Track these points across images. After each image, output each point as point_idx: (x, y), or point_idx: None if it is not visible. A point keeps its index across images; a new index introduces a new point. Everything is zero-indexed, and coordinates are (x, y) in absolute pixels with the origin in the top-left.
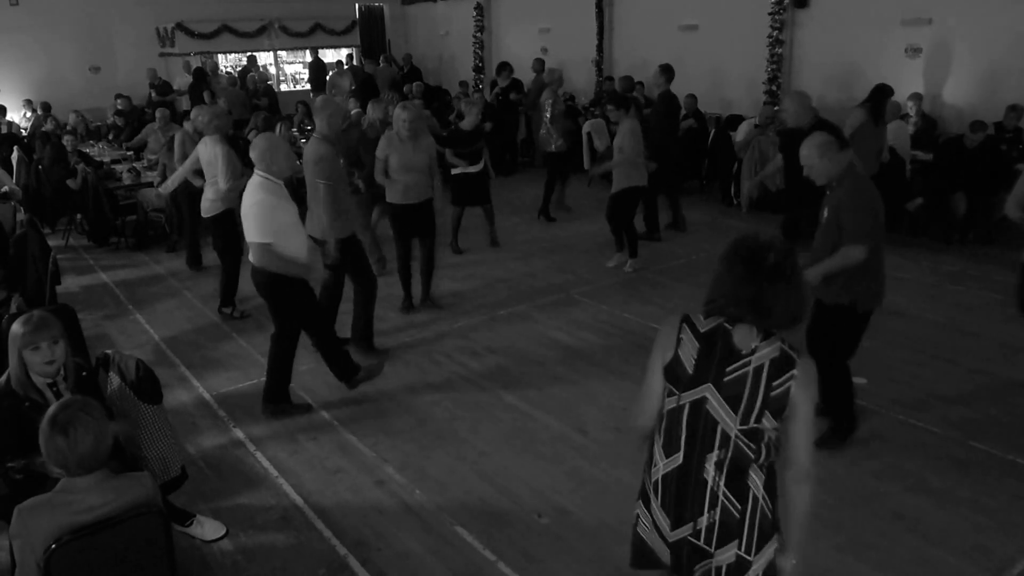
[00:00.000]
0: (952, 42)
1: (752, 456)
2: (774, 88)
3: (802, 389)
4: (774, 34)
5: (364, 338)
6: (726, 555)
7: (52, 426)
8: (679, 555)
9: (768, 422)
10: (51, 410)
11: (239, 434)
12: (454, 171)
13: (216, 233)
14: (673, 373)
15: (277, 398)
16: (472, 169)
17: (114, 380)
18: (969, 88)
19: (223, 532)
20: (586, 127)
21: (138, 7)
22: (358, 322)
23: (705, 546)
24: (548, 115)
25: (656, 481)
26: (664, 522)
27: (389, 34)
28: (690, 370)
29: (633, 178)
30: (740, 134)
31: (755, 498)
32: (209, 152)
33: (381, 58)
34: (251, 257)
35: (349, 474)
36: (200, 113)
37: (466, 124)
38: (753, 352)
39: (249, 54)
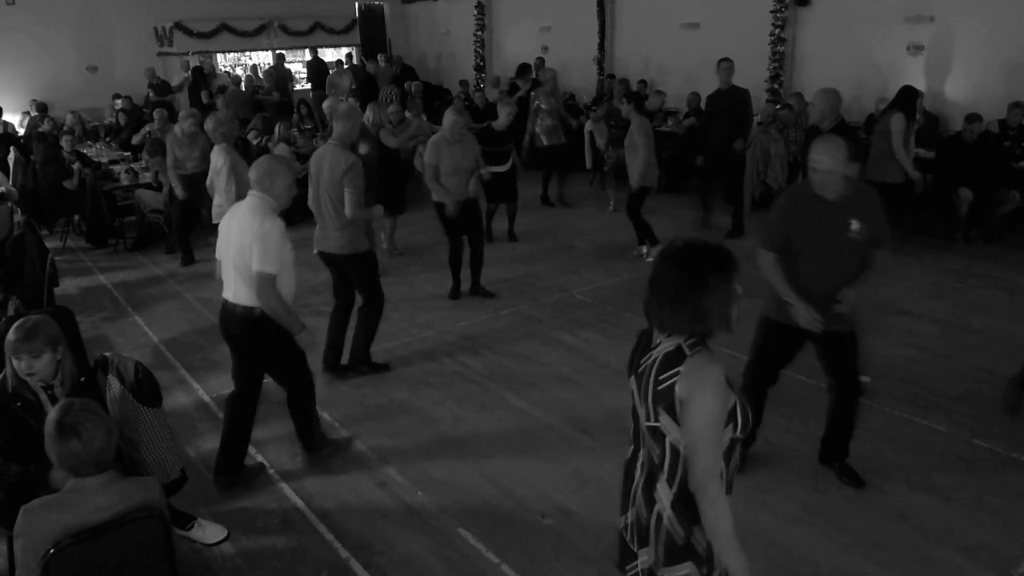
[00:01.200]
0: (954, 39)
1: (656, 461)
2: (776, 86)
3: (686, 388)
4: (776, 32)
5: (364, 358)
6: (644, 558)
7: (60, 430)
8: (621, 545)
9: (666, 422)
10: (54, 415)
11: None
12: (485, 169)
13: None
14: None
15: (234, 467)
16: (501, 169)
17: (113, 383)
18: (971, 85)
19: (224, 535)
20: (588, 126)
21: (136, 6)
22: (360, 341)
23: (629, 543)
24: (543, 111)
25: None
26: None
27: (389, 33)
28: (628, 363)
29: (646, 178)
30: None
31: (659, 513)
32: (216, 160)
33: (380, 57)
34: (238, 294)
35: (351, 476)
36: (208, 120)
37: (499, 124)
38: (657, 345)
39: (278, 52)
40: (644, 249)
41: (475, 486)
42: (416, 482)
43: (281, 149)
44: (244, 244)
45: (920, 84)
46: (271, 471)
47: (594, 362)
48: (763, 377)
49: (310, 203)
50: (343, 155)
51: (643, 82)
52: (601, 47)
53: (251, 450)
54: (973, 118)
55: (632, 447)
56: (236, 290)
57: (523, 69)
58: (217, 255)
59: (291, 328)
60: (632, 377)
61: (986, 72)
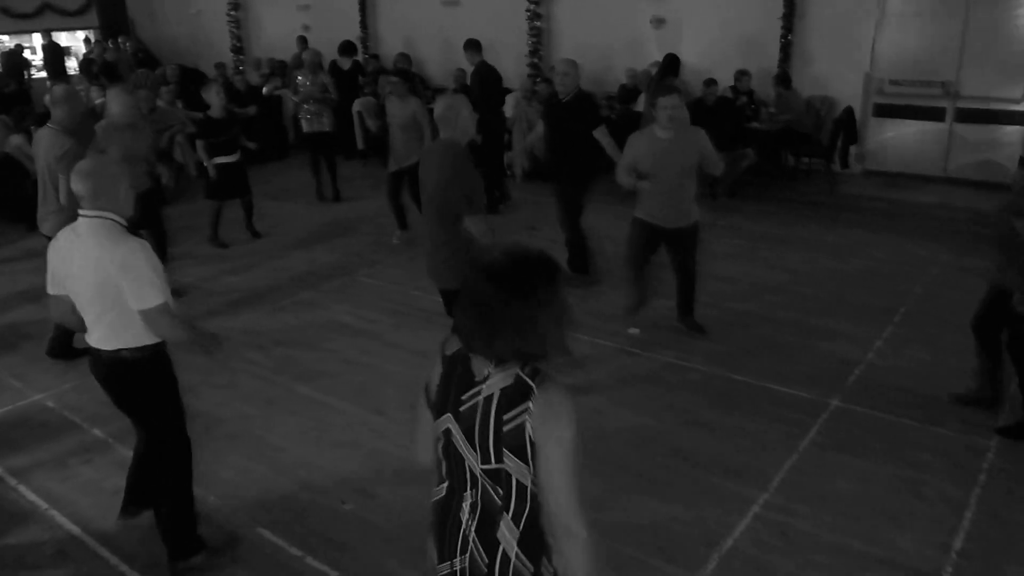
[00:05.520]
0: (690, 13)
1: (500, 503)
2: (536, 60)
3: (540, 425)
4: (532, 8)
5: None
6: None
7: None
8: None
9: (512, 463)
10: None
11: None
12: (209, 163)
13: None
14: (428, 399)
15: (193, 548)
16: (228, 160)
17: None
18: (706, 55)
19: None
20: (356, 106)
21: None
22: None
23: None
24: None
25: (431, 507)
26: (433, 554)
27: (131, 13)
28: (433, 396)
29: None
30: (508, 108)
31: (505, 556)
32: None
33: (113, 41)
34: (104, 337)
35: None
36: None
37: (214, 112)
38: (485, 379)
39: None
40: (398, 233)
41: (270, 482)
42: (207, 487)
43: (17, 140)
44: (103, 281)
45: (660, 54)
46: (36, 498)
47: (382, 342)
48: None
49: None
50: (59, 140)
51: (405, 55)
52: (363, 25)
53: (11, 481)
54: (711, 82)
55: (447, 487)
56: (101, 334)
57: (347, 47)
58: (51, 290)
59: (207, 345)
60: (450, 416)
61: (718, 43)
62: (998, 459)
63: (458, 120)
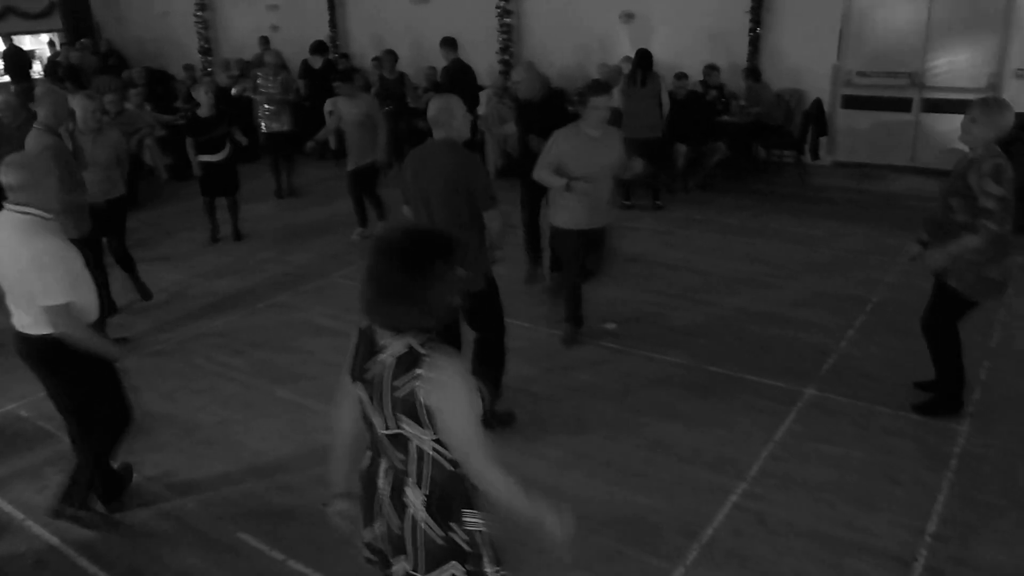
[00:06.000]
0: (659, 8)
1: (402, 467)
2: (507, 57)
3: (436, 394)
4: (502, 4)
5: None
6: (399, 566)
7: None
8: (375, 555)
9: (409, 427)
10: None
11: None
12: (194, 160)
13: None
14: (348, 370)
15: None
16: (214, 158)
17: None
18: (675, 49)
19: None
20: (328, 105)
21: None
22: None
23: (385, 551)
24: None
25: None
26: (361, 519)
27: (96, 15)
28: (348, 367)
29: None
30: (482, 106)
31: (413, 519)
32: None
33: (78, 44)
34: (29, 325)
35: None
36: None
37: (202, 111)
38: (384, 348)
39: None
40: (358, 231)
41: (250, 487)
42: (186, 494)
43: None
44: (18, 272)
45: (631, 49)
46: (12, 509)
47: None
48: None
49: None
50: (42, 139)
51: (391, 52)
52: (332, 24)
53: None
54: (681, 76)
55: (370, 455)
56: (20, 319)
57: (318, 46)
58: None
59: (106, 351)
60: (359, 384)
61: (687, 37)
62: (968, 443)
63: (452, 121)
